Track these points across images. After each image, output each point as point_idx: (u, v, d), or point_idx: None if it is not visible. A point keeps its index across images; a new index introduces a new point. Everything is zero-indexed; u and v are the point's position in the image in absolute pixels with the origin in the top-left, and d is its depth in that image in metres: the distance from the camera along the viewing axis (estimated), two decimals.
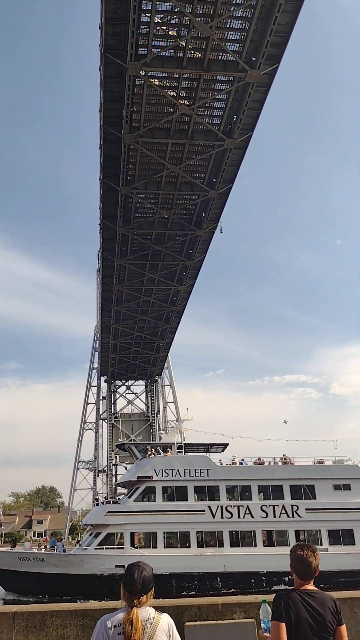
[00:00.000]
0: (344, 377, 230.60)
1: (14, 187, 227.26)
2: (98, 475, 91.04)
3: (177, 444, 44.06)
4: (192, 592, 34.51)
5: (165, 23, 29.39)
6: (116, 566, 34.91)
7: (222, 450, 46.20)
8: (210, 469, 39.98)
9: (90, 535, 40.13)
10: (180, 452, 43.34)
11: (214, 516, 38.19)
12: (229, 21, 28.83)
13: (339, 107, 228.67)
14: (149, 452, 42.30)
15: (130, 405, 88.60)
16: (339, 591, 7.21)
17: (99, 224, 42.96)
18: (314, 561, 4.08)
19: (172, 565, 35.29)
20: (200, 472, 39.40)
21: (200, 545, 37.90)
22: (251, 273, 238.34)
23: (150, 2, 27.63)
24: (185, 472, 39.40)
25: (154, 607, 3.78)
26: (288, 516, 37.94)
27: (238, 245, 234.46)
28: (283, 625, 3.73)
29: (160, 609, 3.77)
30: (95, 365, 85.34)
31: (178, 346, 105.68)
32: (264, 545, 37.63)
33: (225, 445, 45.83)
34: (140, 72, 30.10)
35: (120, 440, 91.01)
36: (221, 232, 42.03)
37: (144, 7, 27.85)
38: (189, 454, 43.90)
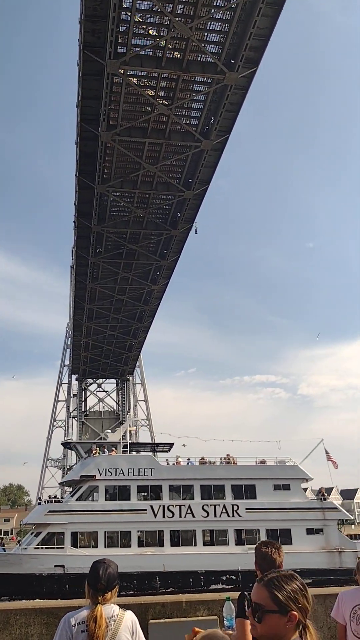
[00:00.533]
0: (311, 378, 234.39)
1: None
2: (67, 473, 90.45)
3: (122, 443, 43.97)
4: (131, 592, 34.32)
5: (146, 22, 29.30)
6: (55, 566, 34.75)
7: (169, 450, 46.45)
8: (154, 468, 40.08)
9: (31, 534, 39.79)
10: (126, 451, 43.27)
11: (155, 516, 38.30)
12: (209, 23, 28.95)
13: (317, 107, 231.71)
14: (94, 451, 42.00)
15: (100, 403, 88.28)
16: (315, 588, 7.42)
17: (74, 222, 42.61)
18: (278, 558, 4.13)
19: None
20: (144, 472, 39.49)
21: (141, 544, 38.02)
22: (222, 273, 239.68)
23: (131, 1, 27.54)
24: (129, 472, 39.44)
25: (118, 604, 3.79)
26: (228, 516, 38.20)
27: (210, 245, 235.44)
28: (248, 622, 3.73)
29: (124, 607, 3.77)
30: (67, 362, 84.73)
31: (149, 344, 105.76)
32: (204, 545, 37.88)
33: (171, 444, 46.19)
34: (119, 71, 29.95)
35: (89, 438, 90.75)
36: (196, 233, 42.23)
37: (124, 6, 27.76)
38: (134, 453, 43.87)
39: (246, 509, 38.08)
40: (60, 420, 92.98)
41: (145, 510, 38.34)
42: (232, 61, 29.97)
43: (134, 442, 44.92)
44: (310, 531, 37.25)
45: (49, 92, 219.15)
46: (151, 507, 38.53)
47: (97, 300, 51.59)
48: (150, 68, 30.40)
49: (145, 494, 39.65)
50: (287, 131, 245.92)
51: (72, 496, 39.87)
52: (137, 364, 76.23)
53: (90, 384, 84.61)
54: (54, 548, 37.03)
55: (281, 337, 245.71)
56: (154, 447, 46.16)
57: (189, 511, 38.38)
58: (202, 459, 41.88)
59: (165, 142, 35.16)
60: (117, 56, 29.20)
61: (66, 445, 50.82)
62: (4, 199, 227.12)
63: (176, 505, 38.50)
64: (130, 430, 47.36)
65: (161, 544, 37.86)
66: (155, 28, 29.53)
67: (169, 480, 39.51)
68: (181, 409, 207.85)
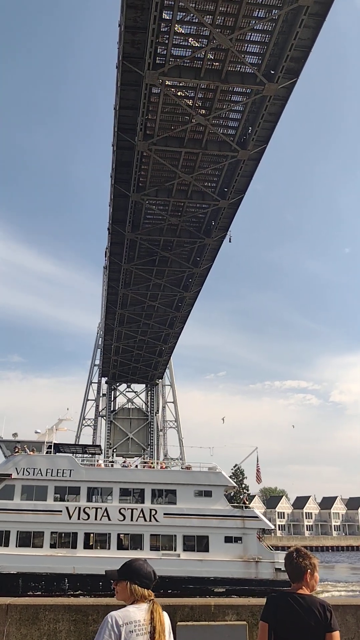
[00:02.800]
0: (344, 385, 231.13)
1: (24, 181, 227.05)
2: None
3: (47, 443, 43.21)
4: (39, 593, 33.72)
5: (185, 33, 29.11)
6: None
7: (100, 452, 45.63)
8: (74, 469, 39.45)
9: None
10: (50, 451, 42.79)
11: (70, 517, 37.64)
12: (250, 34, 28.58)
13: (350, 114, 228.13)
14: (16, 450, 41.58)
15: (129, 403, 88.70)
16: (330, 598, 7.20)
17: (108, 229, 42.75)
18: (301, 562, 4.11)
19: (21, 565, 35.01)
20: (63, 473, 38.99)
21: (53, 545, 37.40)
22: (256, 277, 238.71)
23: (171, 12, 27.39)
24: (47, 472, 38.96)
25: None
26: (145, 520, 37.36)
27: (244, 249, 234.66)
28: (266, 625, 3.80)
29: None
30: (97, 362, 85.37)
31: (179, 346, 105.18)
32: (118, 549, 37.02)
33: (99, 446, 45.57)
34: (158, 81, 29.85)
35: (117, 437, 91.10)
36: (230, 242, 41.86)
37: (164, 17, 27.63)
38: (58, 454, 43.32)
39: (164, 514, 37.19)
40: (89, 419, 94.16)
41: (60, 511, 37.75)
42: (272, 72, 29.55)
43: (61, 443, 44.53)
44: (228, 539, 36.14)
45: (87, 96, 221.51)
46: (67, 508, 37.96)
47: (128, 305, 51.74)
48: (189, 79, 30.22)
49: (63, 495, 39.08)
50: (327, 134, 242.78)
51: None
52: (167, 365, 76.35)
53: (120, 384, 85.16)
54: None
55: (315, 343, 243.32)
56: (84, 449, 45.51)
57: (105, 514, 37.64)
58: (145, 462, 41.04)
59: (202, 151, 34.93)
60: (156, 67, 29.11)
61: None
62: (44, 199, 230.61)
63: (92, 508, 37.81)
64: (59, 430, 46.21)
65: (74, 546, 37.15)
66: (195, 39, 29.30)
67: (87, 482, 38.89)
68: (210, 412, 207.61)
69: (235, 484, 40.35)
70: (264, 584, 33.76)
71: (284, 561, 4.37)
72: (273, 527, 36.81)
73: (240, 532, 36.22)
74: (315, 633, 3.72)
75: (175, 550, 36.10)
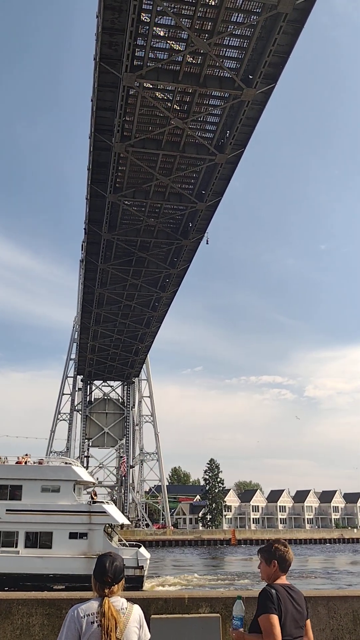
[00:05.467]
0: (318, 380, 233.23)
1: (4, 176, 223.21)
2: None
3: None
4: None
5: (163, 36, 28.83)
6: None
7: None
8: None
9: None
10: None
11: None
12: (228, 39, 28.46)
13: (336, 112, 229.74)
14: None
15: (105, 398, 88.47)
16: (304, 590, 7.35)
17: (84, 228, 42.34)
18: (291, 555, 4.20)
19: None
20: None
21: None
22: (233, 273, 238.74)
23: (149, 15, 27.09)
24: None
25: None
26: None
27: (221, 244, 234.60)
28: (276, 617, 3.78)
29: (129, 601, 3.84)
30: (73, 356, 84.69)
31: (156, 341, 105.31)
32: None
33: None
34: (135, 84, 29.55)
35: (93, 431, 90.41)
36: (207, 243, 41.83)
37: (142, 19, 27.31)
38: None
39: (6, 510, 35.83)
40: (64, 414, 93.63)
41: None
42: (250, 77, 29.49)
43: None
44: (73, 535, 35.22)
45: (68, 92, 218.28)
46: None
47: (105, 304, 51.43)
48: (166, 82, 29.99)
49: None
50: (303, 132, 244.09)
51: None
52: (143, 364, 76.25)
53: (95, 379, 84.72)
54: None
55: (290, 338, 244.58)
56: None
57: None
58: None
59: (180, 154, 34.77)
60: (134, 69, 28.80)
61: None
62: (20, 193, 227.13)
63: None
64: None
65: None
66: (173, 42, 29.05)
67: None
68: (186, 407, 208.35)
69: (91, 479, 39.56)
70: None
71: (272, 551, 4.18)
72: (121, 522, 35.81)
73: (87, 527, 35.23)
74: (303, 621, 3.99)
75: (16, 547, 35.44)
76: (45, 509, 35.39)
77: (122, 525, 38.63)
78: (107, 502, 37.79)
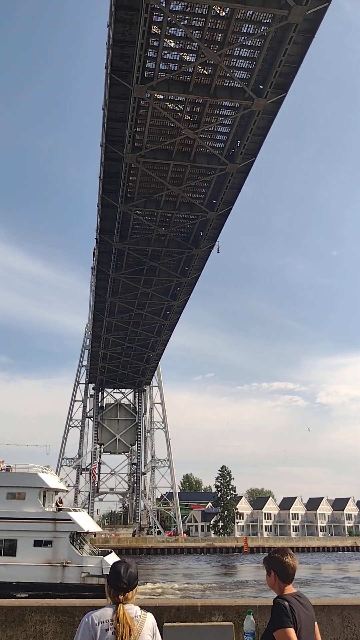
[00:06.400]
0: (331, 387, 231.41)
1: (16, 184, 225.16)
2: (81, 473, 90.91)
3: None
4: None
5: (174, 48, 28.93)
6: None
7: None
8: None
9: None
10: None
11: None
12: (239, 49, 28.49)
13: (348, 118, 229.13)
14: None
15: (117, 404, 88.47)
16: (316, 599, 7.23)
17: (96, 238, 42.50)
18: (296, 563, 4.11)
19: None
20: None
21: None
22: (244, 279, 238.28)
23: (160, 28, 27.21)
24: None
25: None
26: None
27: (232, 251, 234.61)
28: (293, 630, 3.75)
29: (142, 609, 3.81)
30: (85, 362, 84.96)
31: (167, 347, 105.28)
32: None
33: None
34: (146, 95, 29.66)
35: (105, 437, 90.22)
36: (218, 252, 41.77)
37: (153, 32, 27.43)
38: None
39: None
40: (76, 420, 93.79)
41: None
42: (261, 87, 29.49)
43: None
44: (38, 543, 34.46)
45: (79, 102, 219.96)
46: None
47: (116, 313, 51.51)
48: (177, 93, 30.06)
49: None
50: (314, 138, 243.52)
51: None
52: (155, 372, 76.17)
53: (107, 387, 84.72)
54: None
55: (301, 344, 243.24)
56: None
57: None
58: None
59: (191, 164, 34.82)
60: (144, 81, 28.91)
61: None
62: (33, 202, 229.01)
63: None
64: None
65: None
66: (184, 54, 29.14)
67: None
68: (198, 413, 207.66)
69: (61, 487, 39.05)
70: (69, 589, 32.75)
71: (270, 561, 4.10)
72: (87, 530, 35.00)
73: (51, 535, 34.54)
74: (313, 626, 4.00)
75: None
76: (10, 516, 34.69)
77: (95, 534, 38.11)
78: (75, 510, 37.28)
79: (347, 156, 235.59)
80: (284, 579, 3.99)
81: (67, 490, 45.18)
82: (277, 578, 4.01)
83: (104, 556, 33.56)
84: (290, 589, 4.00)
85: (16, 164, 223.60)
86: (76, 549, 34.27)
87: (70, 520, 34.87)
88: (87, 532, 35.26)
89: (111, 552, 35.33)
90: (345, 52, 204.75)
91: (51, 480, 37.55)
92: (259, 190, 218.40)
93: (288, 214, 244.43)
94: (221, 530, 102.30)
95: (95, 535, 41.72)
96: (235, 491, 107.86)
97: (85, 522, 35.60)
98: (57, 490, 38.41)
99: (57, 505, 37.04)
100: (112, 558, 33.12)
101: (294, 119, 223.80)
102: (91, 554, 34.99)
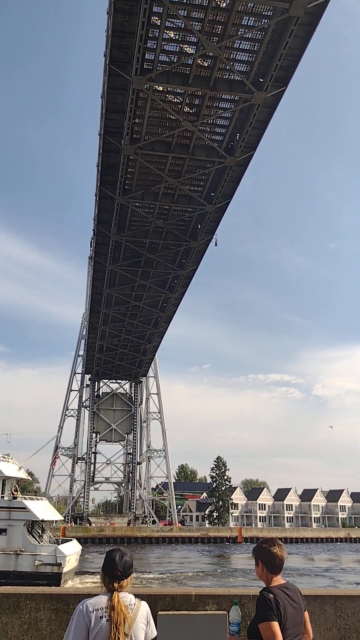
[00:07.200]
0: (327, 379, 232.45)
1: (15, 175, 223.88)
2: (77, 463, 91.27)
3: None
4: None
5: (174, 40, 28.63)
6: None
7: None
8: None
9: None
10: None
11: None
12: (239, 42, 28.20)
13: (347, 112, 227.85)
14: None
15: (113, 394, 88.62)
16: (310, 589, 7.29)
17: (93, 230, 42.31)
18: (284, 554, 4.09)
19: None
20: None
21: None
22: (242, 271, 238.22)
23: (160, 19, 26.89)
24: None
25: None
26: None
27: (231, 242, 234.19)
28: (276, 623, 3.73)
29: (137, 597, 3.83)
30: (81, 352, 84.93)
31: (163, 339, 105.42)
32: None
33: None
34: (145, 87, 29.39)
35: (100, 427, 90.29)
36: (216, 245, 41.66)
37: (152, 23, 27.12)
38: None
39: None
40: (72, 410, 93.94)
41: None
42: (261, 80, 29.24)
43: None
44: None
45: (77, 93, 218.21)
46: None
47: (113, 305, 51.42)
48: (176, 85, 29.78)
49: None
50: (313, 131, 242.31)
51: None
52: (151, 363, 76.18)
53: (103, 378, 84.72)
54: None
55: (298, 337, 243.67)
56: None
57: None
58: None
59: (189, 157, 34.59)
60: (144, 72, 28.63)
61: None
62: (31, 192, 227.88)
63: None
64: None
65: None
66: (184, 46, 28.84)
67: None
68: (194, 404, 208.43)
69: (21, 475, 39.04)
70: (23, 577, 32.85)
71: (258, 551, 4.07)
72: (42, 518, 34.95)
73: (6, 523, 34.41)
74: (302, 617, 3.96)
75: None
76: None
77: (53, 522, 38.02)
78: (33, 499, 37.24)
79: (346, 149, 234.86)
80: (271, 569, 3.98)
81: (28, 479, 45.20)
82: (264, 568, 4.01)
83: (62, 545, 33.45)
84: (278, 580, 3.98)
85: (15, 154, 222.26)
86: (34, 537, 34.35)
87: (25, 508, 34.82)
88: (43, 521, 35.13)
89: (72, 540, 35.35)
90: (346, 46, 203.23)
91: (9, 468, 37.55)
92: (257, 182, 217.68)
93: (286, 206, 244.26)
94: (216, 521, 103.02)
95: (54, 524, 41.63)
96: (230, 482, 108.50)
97: (42, 511, 35.46)
98: (18, 479, 38.47)
99: (13, 494, 36.94)
100: (68, 547, 33.25)
101: (292, 111, 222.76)
102: (50, 543, 35.03)
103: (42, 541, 34.89)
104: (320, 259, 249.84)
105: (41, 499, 38.70)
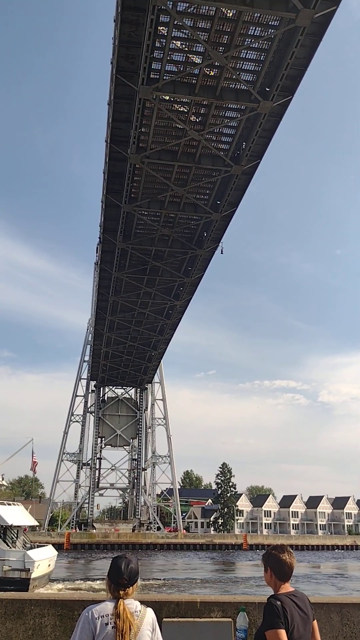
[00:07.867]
0: (332, 386, 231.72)
1: (22, 180, 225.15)
2: (82, 468, 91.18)
3: None
4: None
5: (180, 49, 28.69)
6: None
7: None
8: None
9: None
10: None
11: None
12: (246, 52, 28.23)
13: (355, 117, 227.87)
14: None
15: (118, 399, 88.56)
16: (316, 597, 7.24)
17: (99, 237, 42.38)
18: (294, 561, 4.04)
19: None
20: None
21: None
22: (247, 276, 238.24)
23: (166, 29, 26.97)
24: None
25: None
26: None
27: (237, 248, 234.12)
28: (284, 631, 3.71)
29: (142, 604, 3.81)
30: (87, 358, 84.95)
31: (169, 345, 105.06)
32: None
33: None
34: (151, 96, 29.45)
35: (106, 432, 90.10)
36: (222, 253, 41.61)
37: (159, 32, 27.19)
38: None
39: None
40: (77, 415, 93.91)
41: None
42: (267, 89, 29.24)
43: None
44: None
45: (84, 100, 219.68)
46: None
47: (118, 312, 51.44)
48: (183, 94, 29.84)
49: None
50: (320, 137, 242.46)
51: None
52: (156, 370, 76.10)
53: (108, 384, 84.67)
54: None
55: (304, 343, 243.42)
56: None
57: None
58: None
59: (195, 165, 34.62)
60: (150, 82, 28.69)
61: None
62: (37, 198, 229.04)
63: None
64: None
65: None
66: (191, 55, 28.90)
67: None
68: (199, 410, 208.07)
69: None
70: None
71: (267, 558, 4.02)
72: (11, 523, 34.45)
73: None
74: (310, 625, 3.92)
75: None
76: None
77: (26, 528, 37.73)
78: (4, 504, 36.88)
79: (353, 155, 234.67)
80: (280, 576, 3.94)
81: (3, 484, 45.13)
82: (273, 575, 3.96)
83: (34, 550, 33.10)
84: (286, 587, 3.94)
85: (21, 159, 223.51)
86: (6, 543, 34.06)
87: None
88: (14, 526, 34.81)
89: (48, 545, 35.06)
90: (352, 51, 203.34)
91: None
92: (263, 188, 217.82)
93: (292, 212, 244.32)
94: (221, 527, 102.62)
95: (26, 530, 41.44)
96: (235, 488, 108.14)
97: (13, 516, 35.14)
98: None
99: None
100: (40, 552, 32.85)
101: (299, 117, 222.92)
102: (24, 548, 34.63)
103: (14, 546, 34.59)
104: (326, 265, 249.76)
105: (16, 504, 38.37)
